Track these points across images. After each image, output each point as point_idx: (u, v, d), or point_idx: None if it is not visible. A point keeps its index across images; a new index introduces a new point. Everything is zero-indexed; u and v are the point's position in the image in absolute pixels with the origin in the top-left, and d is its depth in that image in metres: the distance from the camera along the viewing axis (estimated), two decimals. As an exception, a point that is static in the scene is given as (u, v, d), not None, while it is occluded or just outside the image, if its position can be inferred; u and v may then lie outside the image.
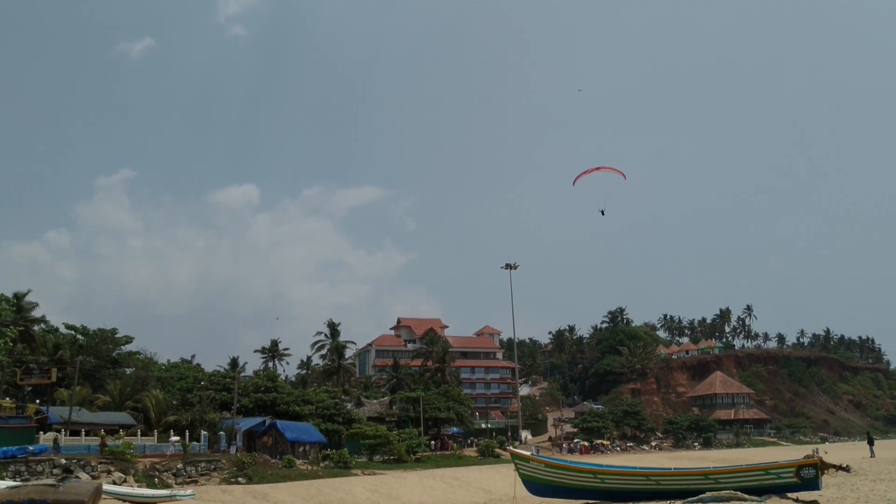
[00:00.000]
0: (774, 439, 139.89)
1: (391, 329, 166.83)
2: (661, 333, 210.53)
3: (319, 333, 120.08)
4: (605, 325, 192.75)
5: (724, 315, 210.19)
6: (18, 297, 75.74)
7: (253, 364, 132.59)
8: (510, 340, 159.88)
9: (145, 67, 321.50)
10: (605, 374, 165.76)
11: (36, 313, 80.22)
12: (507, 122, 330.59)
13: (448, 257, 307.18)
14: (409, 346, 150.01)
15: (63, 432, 56.53)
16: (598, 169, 51.35)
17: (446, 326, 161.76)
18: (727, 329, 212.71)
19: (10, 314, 71.20)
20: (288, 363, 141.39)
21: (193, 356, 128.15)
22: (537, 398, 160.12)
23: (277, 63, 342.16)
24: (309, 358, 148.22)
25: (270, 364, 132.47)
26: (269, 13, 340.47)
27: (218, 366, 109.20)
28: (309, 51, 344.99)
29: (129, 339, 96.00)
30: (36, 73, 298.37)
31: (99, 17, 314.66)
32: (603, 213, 51.21)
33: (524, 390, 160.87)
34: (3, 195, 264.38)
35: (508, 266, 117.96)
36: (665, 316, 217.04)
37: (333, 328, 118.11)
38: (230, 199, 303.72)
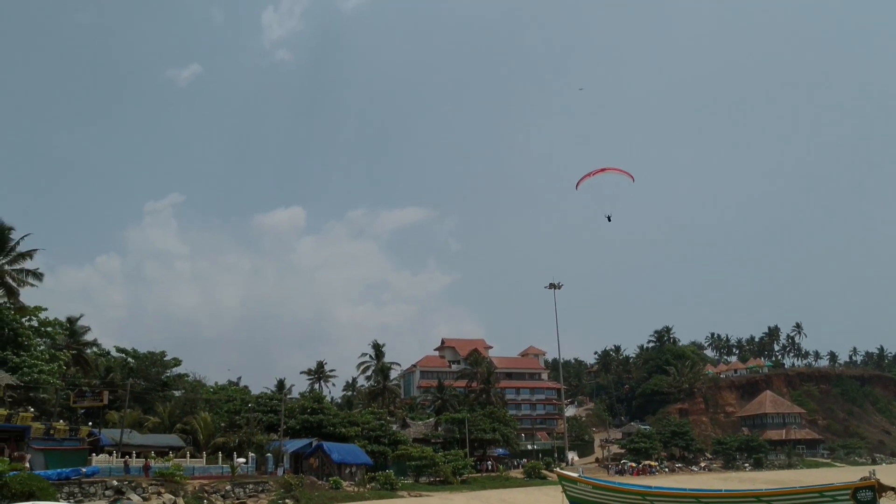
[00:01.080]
0: (828, 460, 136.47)
1: (435, 350, 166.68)
2: (709, 352, 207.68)
3: (364, 355, 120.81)
4: (651, 345, 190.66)
5: (773, 333, 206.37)
6: (72, 321, 77.53)
7: (299, 386, 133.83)
8: (555, 361, 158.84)
9: (193, 93, 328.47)
10: (652, 394, 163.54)
11: (88, 337, 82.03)
12: (549, 141, 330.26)
13: (492, 277, 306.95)
14: (454, 367, 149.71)
15: (115, 454, 57.44)
16: (602, 171, 49.56)
17: (490, 347, 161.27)
18: (776, 347, 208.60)
19: (63, 338, 72.86)
20: (334, 384, 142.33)
21: (240, 378, 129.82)
22: (583, 419, 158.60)
23: (321, 86, 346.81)
24: (354, 379, 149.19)
25: (316, 385, 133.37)
26: (312, 37, 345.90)
27: (265, 388, 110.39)
28: (352, 73, 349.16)
29: (177, 362, 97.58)
30: (86, 102, 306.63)
31: (147, 46, 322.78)
32: (609, 219, 49.29)
33: (570, 411, 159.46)
34: (58, 222, 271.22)
35: (552, 286, 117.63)
36: (712, 334, 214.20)
37: (378, 349, 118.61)
38: (276, 222, 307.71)
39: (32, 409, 56.95)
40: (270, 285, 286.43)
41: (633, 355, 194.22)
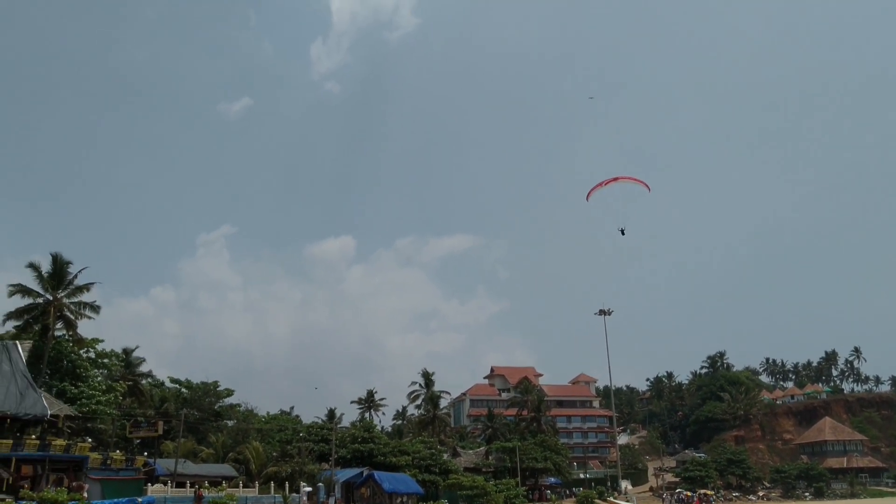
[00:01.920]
0: (893, 489, 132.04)
1: (485, 378, 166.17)
2: (764, 378, 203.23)
3: (414, 384, 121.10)
4: (704, 371, 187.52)
5: (831, 357, 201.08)
6: (127, 352, 79.17)
7: (350, 415, 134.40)
8: (607, 388, 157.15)
9: (244, 126, 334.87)
10: (707, 421, 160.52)
11: (143, 368, 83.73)
12: (596, 165, 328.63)
13: (541, 304, 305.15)
14: (504, 396, 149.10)
15: (170, 484, 58.12)
16: (615, 180, 47.93)
17: (540, 375, 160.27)
18: (834, 372, 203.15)
19: (119, 369, 74.31)
20: (384, 413, 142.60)
21: (292, 408, 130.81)
22: (636, 447, 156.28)
23: (369, 116, 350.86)
24: (404, 408, 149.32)
25: (367, 414, 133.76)
26: (359, 69, 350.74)
27: (316, 417, 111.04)
28: (399, 103, 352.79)
29: (229, 392, 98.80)
30: (141, 137, 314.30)
31: (200, 80, 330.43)
32: (623, 233, 48.07)
33: (623, 439, 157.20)
34: (114, 255, 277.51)
35: (602, 312, 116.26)
36: (767, 360, 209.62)
37: (428, 378, 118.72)
38: (326, 252, 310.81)
39: (90, 440, 58.07)
40: (321, 314, 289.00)
41: (686, 381, 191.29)
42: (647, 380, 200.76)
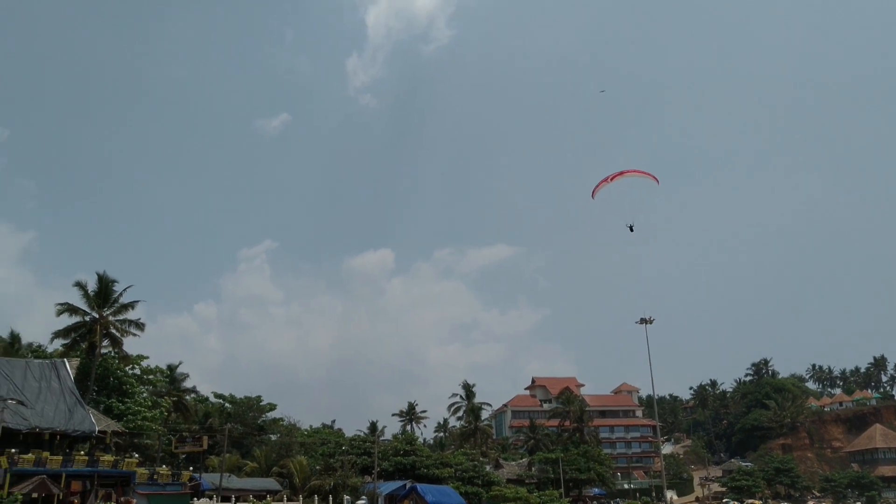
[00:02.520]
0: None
1: (526, 389, 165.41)
2: (811, 385, 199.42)
3: (455, 395, 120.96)
4: (748, 378, 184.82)
5: (880, 363, 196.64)
6: (171, 368, 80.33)
7: (391, 427, 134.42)
8: (649, 397, 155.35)
9: (283, 141, 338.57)
10: (752, 429, 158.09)
11: (187, 383, 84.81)
12: (636, 164, 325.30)
13: (582, 314, 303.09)
14: (545, 406, 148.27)
15: (215, 498, 58.75)
16: (621, 174, 45.95)
17: (582, 385, 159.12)
18: (883, 378, 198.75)
19: (164, 385, 75.36)
20: (425, 426, 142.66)
21: (334, 421, 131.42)
22: (681, 456, 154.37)
23: (405, 128, 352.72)
24: (446, 420, 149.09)
25: (408, 427, 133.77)
26: (395, 82, 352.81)
27: (358, 430, 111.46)
28: (435, 114, 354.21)
29: (272, 406, 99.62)
30: (182, 155, 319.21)
31: (238, 97, 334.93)
32: (632, 230, 45.65)
33: (667, 448, 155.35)
34: (158, 273, 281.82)
35: (643, 321, 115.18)
36: (814, 366, 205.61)
37: (468, 390, 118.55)
38: (366, 265, 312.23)
39: (137, 455, 58.90)
40: (361, 327, 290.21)
41: (731, 389, 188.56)
42: (691, 388, 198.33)
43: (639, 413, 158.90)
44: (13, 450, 46.91)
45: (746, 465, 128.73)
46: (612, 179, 45.96)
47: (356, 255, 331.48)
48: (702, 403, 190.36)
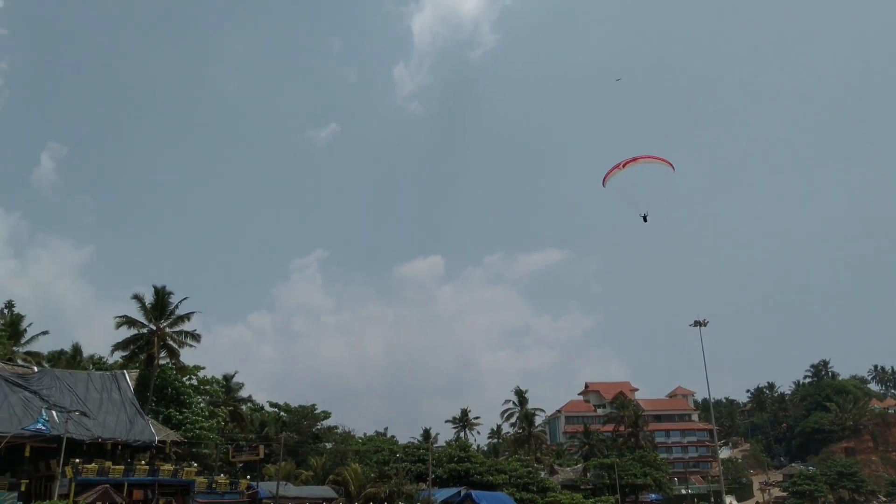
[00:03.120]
0: None
1: (579, 394, 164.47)
2: (873, 386, 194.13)
3: (508, 401, 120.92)
4: (808, 380, 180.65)
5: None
6: (227, 378, 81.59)
7: (445, 434, 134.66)
8: (705, 401, 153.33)
9: (332, 151, 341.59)
10: (813, 432, 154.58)
11: (243, 393, 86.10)
12: (687, 175, 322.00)
13: (634, 318, 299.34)
14: (599, 411, 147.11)
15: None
16: (634, 160, 43.28)
17: (636, 389, 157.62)
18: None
19: (221, 395, 76.53)
20: (479, 432, 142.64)
21: (387, 428, 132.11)
22: (739, 461, 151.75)
23: (453, 134, 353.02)
24: (499, 426, 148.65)
25: (461, 433, 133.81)
26: (442, 88, 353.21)
27: (411, 437, 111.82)
28: (483, 118, 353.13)
29: (327, 415, 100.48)
30: (234, 168, 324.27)
31: (289, 109, 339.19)
32: (645, 219, 43.48)
33: (724, 453, 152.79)
34: (214, 285, 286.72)
35: (697, 323, 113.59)
36: (876, 367, 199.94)
37: (521, 396, 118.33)
38: (416, 272, 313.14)
39: (195, 464, 59.79)
40: (413, 335, 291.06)
41: (789, 392, 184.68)
42: (747, 391, 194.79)
43: (694, 417, 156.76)
44: (77, 460, 48.06)
45: (808, 470, 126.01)
46: (624, 166, 43.87)
47: (406, 262, 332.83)
48: (759, 406, 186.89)
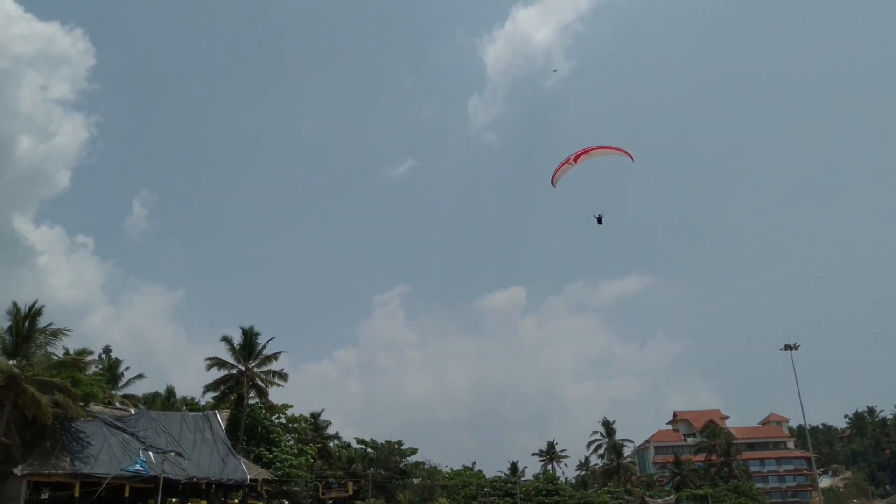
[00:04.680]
0: None
1: (668, 423, 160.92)
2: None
3: (595, 433, 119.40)
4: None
5: None
6: (315, 416, 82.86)
7: (532, 467, 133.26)
8: (801, 427, 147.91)
9: (409, 186, 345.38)
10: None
11: (330, 430, 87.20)
12: (772, 195, 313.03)
13: (723, 343, 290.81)
14: (689, 441, 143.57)
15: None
16: (586, 152, 39.00)
17: (727, 417, 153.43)
18: None
19: (309, 432, 77.66)
20: (566, 465, 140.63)
21: (474, 463, 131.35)
22: (841, 490, 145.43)
23: (529, 163, 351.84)
24: (587, 458, 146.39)
25: (549, 466, 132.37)
26: (517, 117, 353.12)
27: (498, 471, 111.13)
28: (559, 146, 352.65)
29: (413, 451, 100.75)
30: (314, 208, 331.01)
31: (365, 147, 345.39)
32: (600, 221, 39.75)
33: (824, 482, 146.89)
34: (301, 324, 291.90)
35: (788, 347, 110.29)
36: None
37: (608, 426, 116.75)
38: (497, 303, 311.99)
39: (286, 502, 60.78)
40: (496, 367, 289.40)
41: (891, 416, 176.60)
42: (846, 416, 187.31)
43: (790, 444, 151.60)
44: (174, 499, 49.50)
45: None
46: (575, 160, 39.65)
47: (487, 294, 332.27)
48: (859, 432, 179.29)
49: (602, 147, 39.30)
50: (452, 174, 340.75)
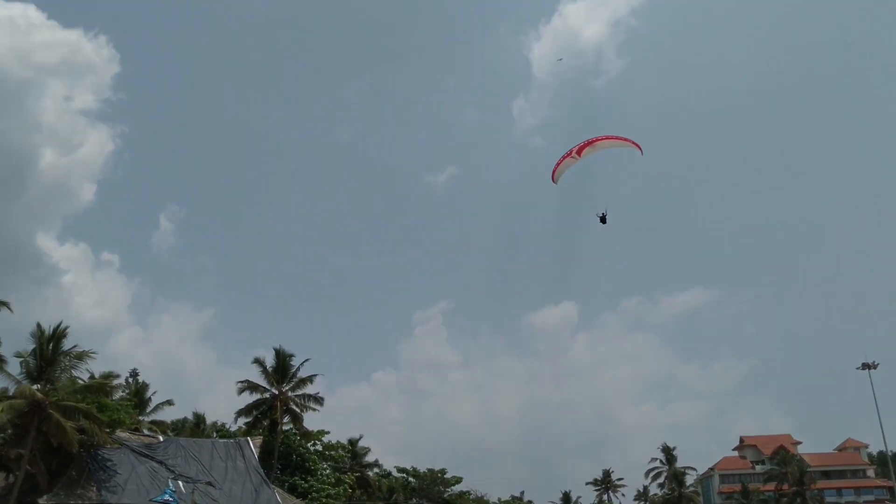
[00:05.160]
0: None
1: (734, 450, 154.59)
2: None
3: (654, 460, 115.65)
4: None
5: None
6: (353, 442, 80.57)
7: (586, 498, 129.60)
8: (881, 454, 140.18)
9: (451, 195, 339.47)
10: None
11: (368, 457, 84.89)
12: (849, 201, 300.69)
13: (795, 362, 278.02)
14: (758, 468, 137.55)
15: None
16: (590, 144, 37.14)
17: (798, 442, 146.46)
18: None
19: (346, 460, 75.20)
20: (623, 494, 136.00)
21: (523, 493, 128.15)
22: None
23: (579, 168, 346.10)
24: (645, 487, 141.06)
25: (604, 496, 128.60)
26: (566, 119, 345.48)
27: (550, 501, 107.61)
28: (611, 150, 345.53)
29: (458, 480, 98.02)
30: (352, 221, 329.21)
31: (404, 155, 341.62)
32: (604, 220, 37.69)
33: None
34: (337, 344, 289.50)
35: (866, 366, 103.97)
36: None
37: (669, 453, 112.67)
38: (547, 321, 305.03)
39: (322, 534, 58.26)
40: (547, 389, 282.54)
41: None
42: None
43: (870, 472, 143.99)
44: (203, 532, 47.31)
45: None
46: (578, 153, 37.91)
47: (536, 310, 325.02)
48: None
49: (608, 138, 37.37)
50: (497, 181, 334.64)
